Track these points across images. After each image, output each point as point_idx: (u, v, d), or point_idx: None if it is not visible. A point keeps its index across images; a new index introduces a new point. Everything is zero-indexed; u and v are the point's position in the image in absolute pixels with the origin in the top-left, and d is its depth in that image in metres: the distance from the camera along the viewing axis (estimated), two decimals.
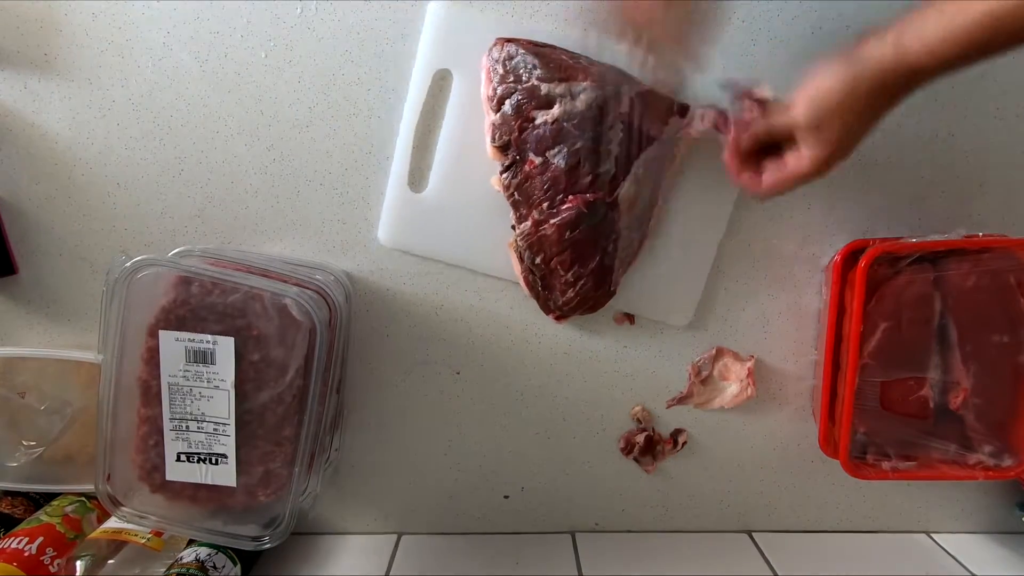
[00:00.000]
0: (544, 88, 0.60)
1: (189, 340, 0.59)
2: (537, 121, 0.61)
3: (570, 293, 0.65)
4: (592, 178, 0.61)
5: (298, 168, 0.69)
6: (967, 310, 0.65)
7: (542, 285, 0.66)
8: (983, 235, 0.65)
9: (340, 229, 0.70)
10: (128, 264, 0.58)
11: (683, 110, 0.62)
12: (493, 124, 0.62)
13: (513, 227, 0.65)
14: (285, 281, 0.62)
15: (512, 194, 0.63)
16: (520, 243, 0.64)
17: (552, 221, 0.62)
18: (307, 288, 0.62)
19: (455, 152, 0.67)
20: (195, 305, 0.59)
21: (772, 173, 0.57)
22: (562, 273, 0.64)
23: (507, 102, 0.61)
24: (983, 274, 0.64)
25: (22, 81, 0.67)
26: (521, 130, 0.61)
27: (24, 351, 0.71)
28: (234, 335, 0.59)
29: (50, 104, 0.67)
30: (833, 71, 0.52)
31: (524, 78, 0.60)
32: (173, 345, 0.59)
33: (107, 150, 0.68)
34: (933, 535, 0.77)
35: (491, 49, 0.62)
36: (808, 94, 0.53)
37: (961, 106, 0.67)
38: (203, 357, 0.59)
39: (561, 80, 0.60)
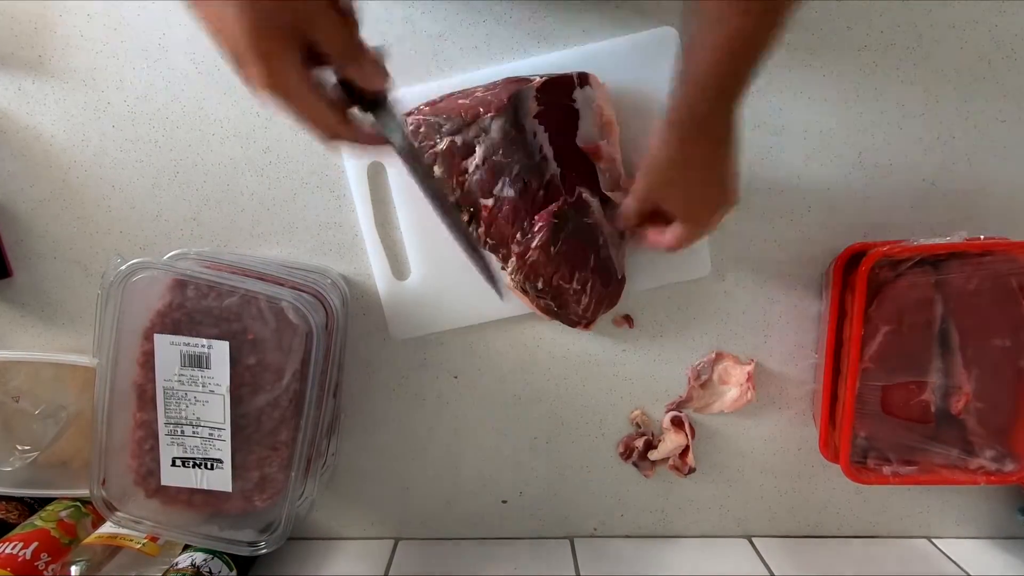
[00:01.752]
0: (459, 139, 0.61)
1: (184, 344, 0.58)
2: (470, 169, 0.61)
3: (584, 300, 0.66)
4: (545, 189, 0.62)
5: (294, 171, 0.68)
6: (969, 314, 0.65)
7: (557, 305, 0.67)
8: (984, 238, 0.64)
9: (336, 232, 0.70)
10: (123, 267, 0.58)
11: (583, 79, 0.62)
12: None
13: (504, 268, 0.65)
14: (281, 284, 0.61)
15: (486, 242, 0.64)
16: (516, 278, 0.65)
17: (532, 246, 0.62)
18: (303, 291, 0.61)
19: (419, 230, 0.68)
20: (191, 308, 0.59)
21: (657, 237, 0.60)
22: (567, 286, 0.64)
23: (435, 168, 0.62)
24: (985, 277, 0.64)
25: (16, 83, 0.67)
26: (460, 185, 0.62)
27: (18, 355, 0.70)
28: (230, 339, 0.58)
29: (45, 106, 0.67)
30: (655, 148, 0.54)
31: (437, 140, 0.61)
32: (168, 349, 0.58)
33: (102, 152, 0.68)
34: (934, 540, 0.76)
35: None
36: (640, 175, 0.57)
37: (963, 108, 0.67)
38: (198, 361, 0.58)
39: (468, 124, 0.60)
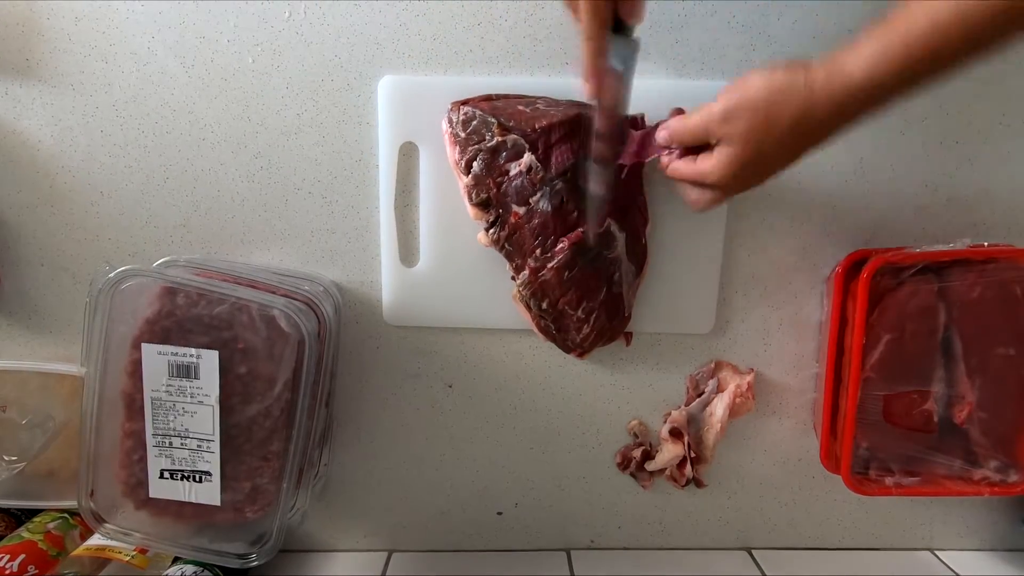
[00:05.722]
0: (509, 141, 0.60)
1: (172, 354, 0.57)
2: (512, 172, 0.61)
3: (585, 329, 0.65)
4: (579, 213, 0.61)
5: (286, 176, 0.67)
6: (972, 322, 0.64)
7: (556, 328, 0.66)
8: (988, 245, 0.63)
9: (329, 238, 0.69)
10: (112, 275, 0.57)
11: (641, 119, 0.61)
12: (467, 186, 0.62)
13: (513, 278, 0.65)
14: (273, 292, 0.61)
15: (503, 247, 0.63)
16: (523, 292, 0.64)
17: (549, 266, 0.62)
18: (295, 299, 0.60)
19: (438, 220, 0.67)
20: (180, 317, 0.58)
21: (683, 162, 0.55)
22: (572, 312, 0.64)
23: (475, 163, 0.61)
24: (988, 285, 0.63)
25: (3, 87, 0.66)
26: (498, 185, 0.61)
27: (5, 364, 0.69)
28: (220, 347, 0.57)
29: (32, 110, 0.66)
30: (763, 74, 0.49)
31: (487, 137, 0.60)
32: (156, 359, 0.57)
33: (90, 157, 0.67)
34: (937, 552, 0.76)
35: (448, 115, 0.62)
36: (729, 88, 0.51)
37: (966, 112, 0.66)
38: (186, 371, 0.57)
39: (526, 133, 0.60)
